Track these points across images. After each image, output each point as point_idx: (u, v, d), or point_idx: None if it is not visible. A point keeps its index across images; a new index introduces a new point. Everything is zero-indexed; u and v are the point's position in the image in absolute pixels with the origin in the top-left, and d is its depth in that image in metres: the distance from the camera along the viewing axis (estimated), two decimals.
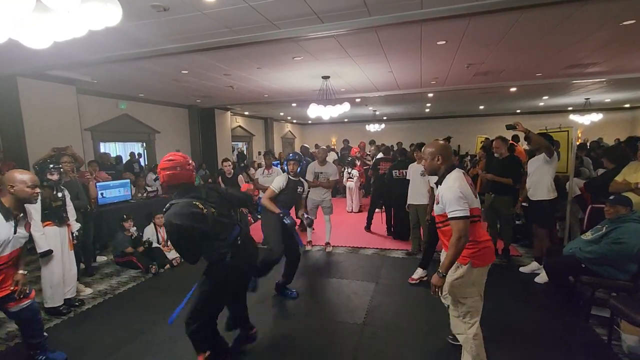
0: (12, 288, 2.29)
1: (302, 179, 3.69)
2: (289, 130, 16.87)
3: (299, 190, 3.57)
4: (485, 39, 4.37)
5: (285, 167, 3.62)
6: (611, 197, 2.80)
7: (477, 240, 1.97)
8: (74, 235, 3.45)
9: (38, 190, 2.32)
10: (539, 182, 3.62)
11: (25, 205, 2.34)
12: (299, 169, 3.57)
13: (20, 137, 5.20)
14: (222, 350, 2.33)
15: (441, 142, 2.17)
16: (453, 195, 1.90)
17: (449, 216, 1.91)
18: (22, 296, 2.31)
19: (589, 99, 10.53)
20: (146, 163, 8.69)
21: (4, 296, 2.26)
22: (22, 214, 2.30)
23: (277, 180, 3.51)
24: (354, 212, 7.61)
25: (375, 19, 3.44)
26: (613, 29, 4.08)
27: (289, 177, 3.52)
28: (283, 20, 3.48)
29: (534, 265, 3.95)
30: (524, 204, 4.12)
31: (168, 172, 2.04)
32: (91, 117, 6.95)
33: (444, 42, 4.46)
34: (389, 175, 5.20)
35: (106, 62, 4.38)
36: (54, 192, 3.20)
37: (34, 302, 2.44)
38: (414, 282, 3.74)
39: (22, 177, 2.23)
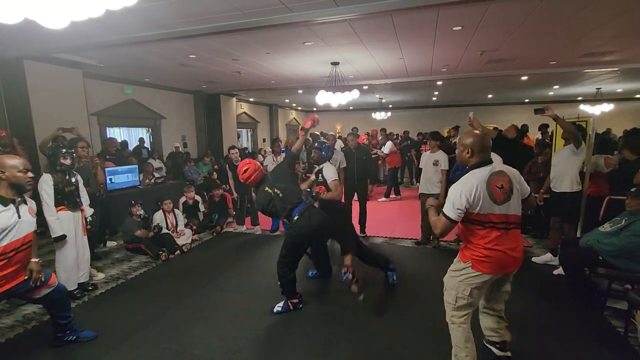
0: (26, 276, 2.22)
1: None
2: (294, 118, 16.75)
3: (319, 179, 3.62)
4: (503, 24, 4.25)
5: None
6: (633, 190, 2.75)
7: (485, 246, 1.90)
8: (88, 220, 3.45)
9: (31, 175, 2.19)
10: (564, 174, 3.54)
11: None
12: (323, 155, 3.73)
13: (27, 121, 5.17)
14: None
15: (477, 134, 2.02)
16: (452, 195, 1.90)
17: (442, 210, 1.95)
18: (38, 284, 2.25)
19: (600, 88, 10.36)
20: (150, 149, 8.62)
21: (19, 284, 2.20)
22: (19, 199, 2.18)
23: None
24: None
25: (392, 2, 3.33)
26: (631, 17, 3.98)
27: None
28: (297, 3, 3.38)
29: (547, 256, 3.93)
30: (545, 195, 4.03)
31: (253, 175, 2.94)
32: (97, 101, 6.89)
33: (460, 27, 4.34)
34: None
35: (115, 44, 4.29)
36: (67, 177, 3.18)
37: (59, 285, 2.44)
38: None
39: (12, 162, 2.11)
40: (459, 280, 1.99)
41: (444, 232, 1.94)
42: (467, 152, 1.96)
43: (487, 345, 2.31)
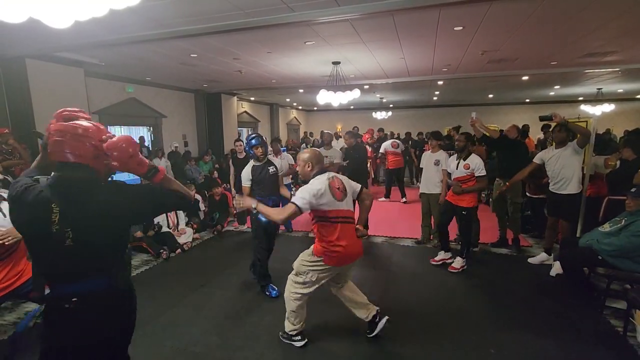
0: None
1: (269, 159, 3.40)
2: (295, 117, 16.76)
3: (271, 171, 3.29)
4: (504, 24, 4.26)
5: (251, 153, 3.32)
6: (633, 190, 2.76)
7: (331, 241, 2.24)
8: None
9: None
10: (572, 175, 3.46)
11: None
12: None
13: (29, 119, 5.18)
14: None
15: (314, 150, 2.49)
16: (303, 191, 2.21)
17: (291, 200, 2.24)
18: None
19: (601, 89, 10.35)
20: (150, 148, 8.62)
21: (20, 286, 2.22)
22: None
23: (244, 174, 3.31)
24: None
25: (393, 2, 3.33)
26: (632, 17, 3.99)
27: (253, 165, 3.30)
28: (298, 2, 3.39)
29: (542, 256, 3.94)
30: (541, 195, 4.02)
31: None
32: (99, 100, 6.89)
33: (461, 27, 4.35)
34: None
35: (117, 43, 4.30)
36: None
37: None
38: (435, 263, 3.98)
39: None
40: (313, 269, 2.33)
41: (290, 217, 2.23)
42: (308, 166, 2.34)
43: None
